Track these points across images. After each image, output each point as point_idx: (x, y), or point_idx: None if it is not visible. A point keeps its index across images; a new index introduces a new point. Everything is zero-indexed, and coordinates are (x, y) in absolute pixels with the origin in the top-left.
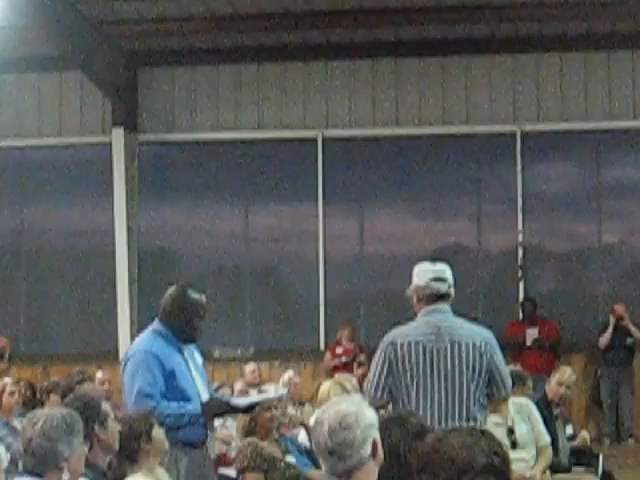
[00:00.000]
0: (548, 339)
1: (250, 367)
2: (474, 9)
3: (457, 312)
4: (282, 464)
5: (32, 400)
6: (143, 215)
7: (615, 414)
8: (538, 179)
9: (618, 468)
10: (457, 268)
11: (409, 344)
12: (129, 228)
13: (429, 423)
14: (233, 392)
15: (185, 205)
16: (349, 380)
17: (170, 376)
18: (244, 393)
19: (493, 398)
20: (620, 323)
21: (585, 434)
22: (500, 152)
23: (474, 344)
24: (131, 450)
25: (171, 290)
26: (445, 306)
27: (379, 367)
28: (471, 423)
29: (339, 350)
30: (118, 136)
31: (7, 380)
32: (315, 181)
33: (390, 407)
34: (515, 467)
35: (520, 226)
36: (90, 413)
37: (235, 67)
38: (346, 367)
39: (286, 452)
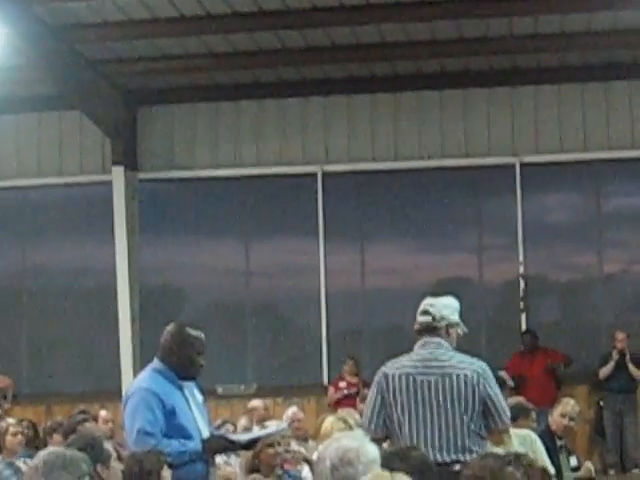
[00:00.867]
0: (555, 366)
1: (260, 403)
2: (471, 42)
3: (459, 344)
4: None
5: (35, 440)
6: (144, 252)
7: (619, 444)
8: (538, 210)
9: None
10: (460, 300)
11: (400, 377)
12: (130, 266)
13: None
14: (236, 429)
15: (186, 242)
16: (352, 415)
17: (170, 414)
18: (248, 430)
19: (492, 429)
20: (622, 352)
21: (589, 465)
22: (499, 184)
23: (465, 375)
24: None
25: (169, 328)
26: (437, 339)
27: (373, 400)
28: (466, 455)
29: (342, 384)
30: (118, 174)
31: (10, 421)
32: (315, 216)
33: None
34: None
35: (521, 257)
36: (93, 453)
37: (234, 104)
38: (350, 401)
39: None
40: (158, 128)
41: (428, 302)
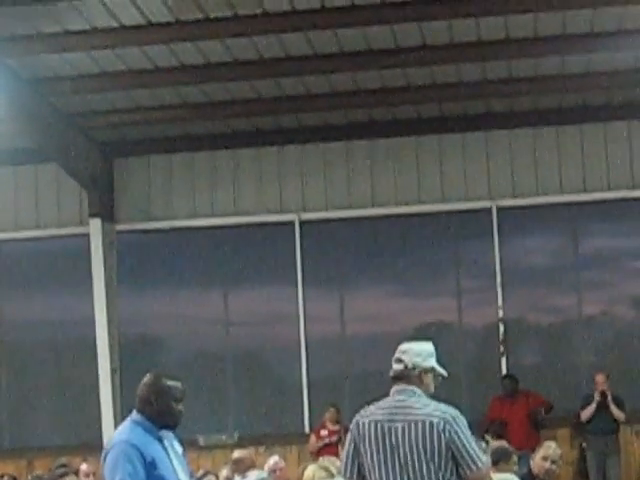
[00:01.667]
0: (536, 411)
1: (246, 454)
2: (444, 87)
3: (439, 389)
4: None
5: None
6: (123, 304)
7: None
8: (516, 253)
9: None
10: (439, 345)
11: (369, 424)
12: (109, 317)
13: None
14: (218, 479)
15: (165, 292)
16: (333, 463)
17: (151, 466)
18: None
19: (466, 477)
20: (604, 393)
21: None
22: (477, 228)
23: (431, 423)
24: None
25: (145, 380)
26: (410, 386)
27: (347, 448)
28: None
29: (324, 432)
30: (95, 227)
31: None
32: (294, 264)
33: None
34: None
35: (500, 301)
36: None
37: (210, 153)
38: (331, 449)
39: None
40: (135, 179)
41: (401, 349)
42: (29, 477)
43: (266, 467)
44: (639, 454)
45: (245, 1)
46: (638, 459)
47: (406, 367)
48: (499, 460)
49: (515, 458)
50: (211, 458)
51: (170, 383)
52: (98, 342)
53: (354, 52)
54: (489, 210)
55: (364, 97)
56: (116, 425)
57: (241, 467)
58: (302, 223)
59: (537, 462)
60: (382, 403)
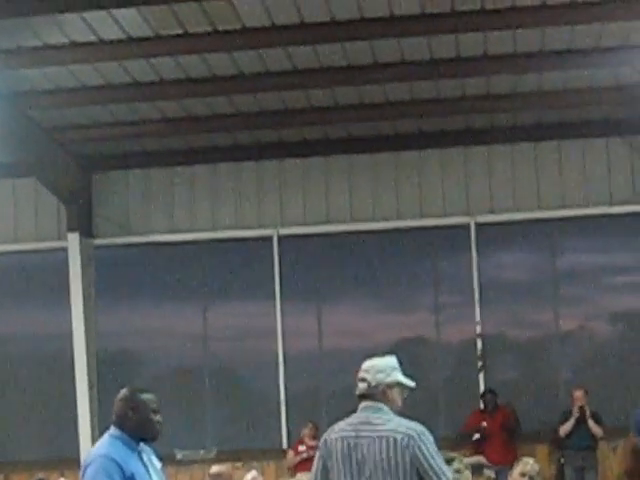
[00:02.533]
0: (504, 427)
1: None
2: (423, 103)
3: (418, 405)
4: None
5: None
6: (101, 318)
7: None
8: (494, 269)
9: None
10: (418, 360)
11: (336, 440)
12: (87, 332)
13: None
14: None
15: (143, 307)
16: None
17: None
18: None
19: None
20: (583, 409)
21: None
22: (455, 244)
23: (395, 439)
24: None
25: (120, 395)
26: (373, 402)
27: (315, 464)
28: None
29: (302, 448)
30: (74, 241)
31: None
32: (272, 279)
33: None
34: None
35: (478, 317)
36: None
37: (189, 168)
38: (309, 464)
39: None
40: (113, 194)
41: (364, 367)
42: None
43: None
44: (616, 469)
45: (224, 16)
46: (615, 474)
47: (369, 385)
48: (472, 475)
49: (488, 472)
50: (189, 473)
51: (145, 396)
52: (76, 356)
53: (333, 68)
54: (467, 226)
55: (343, 113)
56: (94, 440)
57: None
58: (280, 238)
59: (515, 478)
60: (349, 420)
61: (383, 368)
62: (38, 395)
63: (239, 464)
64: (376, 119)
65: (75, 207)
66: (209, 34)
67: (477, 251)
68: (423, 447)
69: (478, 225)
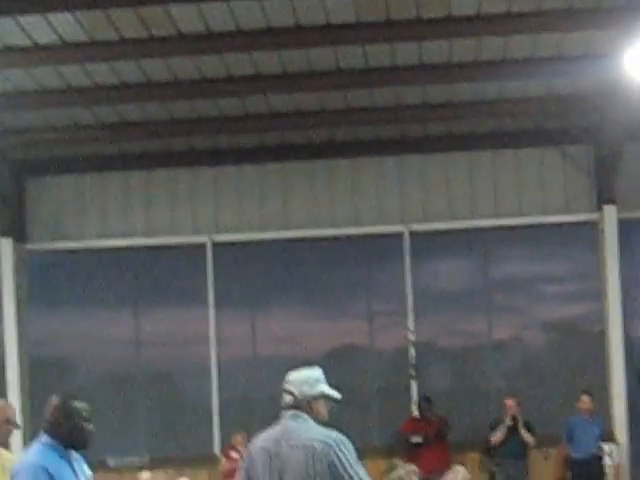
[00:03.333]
0: (438, 435)
1: (147, 476)
2: (358, 112)
3: (351, 412)
4: None
5: None
6: (34, 323)
7: None
8: (428, 277)
9: None
10: (351, 368)
11: (257, 450)
12: (19, 337)
13: None
14: None
15: (76, 312)
16: None
17: None
18: None
19: None
20: (515, 417)
21: None
22: (389, 252)
23: (314, 447)
24: None
25: (51, 402)
26: (295, 411)
27: (240, 474)
28: None
29: (234, 454)
30: (6, 246)
31: None
32: (205, 285)
33: None
34: None
35: (411, 325)
36: None
37: (123, 174)
38: None
39: None
40: (47, 199)
41: (288, 379)
42: None
43: None
44: (548, 478)
45: (160, 22)
46: None
47: (295, 398)
48: None
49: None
50: None
51: (77, 404)
52: (7, 362)
53: (268, 75)
54: (401, 234)
55: (278, 120)
56: (25, 447)
57: None
58: (214, 245)
59: None
60: (271, 430)
61: (307, 379)
62: None
63: (171, 471)
64: (311, 127)
65: (8, 212)
66: (144, 40)
67: (411, 259)
68: (341, 455)
69: (412, 233)
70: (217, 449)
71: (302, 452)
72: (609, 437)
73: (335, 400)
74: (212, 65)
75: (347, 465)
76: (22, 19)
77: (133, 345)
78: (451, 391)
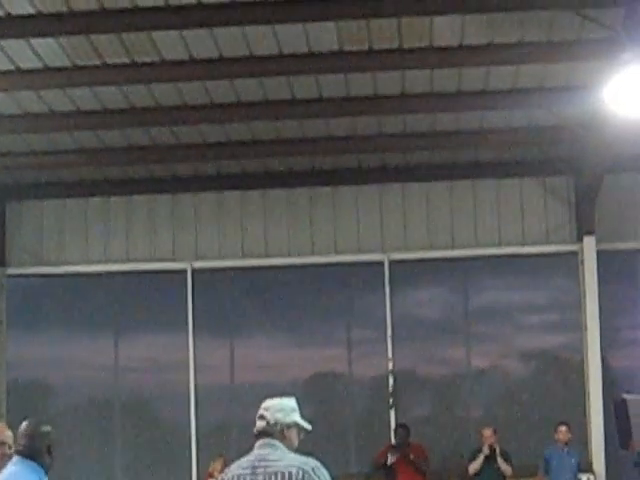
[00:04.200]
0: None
1: None
2: (339, 140)
3: (329, 441)
4: None
5: None
6: (12, 348)
7: None
8: (407, 306)
9: None
10: (330, 395)
11: (233, 478)
12: None
13: None
14: None
15: (55, 337)
16: None
17: None
18: None
19: None
20: (492, 447)
21: None
22: (369, 280)
23: (290, 473)
24: None
25: (26, 427)
26: (269, 440)
27: None
28: None
29: None
30: None
31: None
32: (185, 312)
33: None
34: None
35: (390, 354)
36: None
37: (103, 200)
38: None
39: None
40: (27, 223)
41: (264, 406)
42: None
43: None
44: None
45: (143, 48)
46: None
47: (268, 423)
48: None
49: None
50: None
51: (47, 428)
52: None
53: (250, 102)
54: (381, 263)
55: (259, 147)
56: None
57: None
58: (194, 271)
59: None
60: (245, 458)
61: (283, 407)
62: None
63: None
64: (293, 154)
65: None
66: (127, 65)
67: (390, 288)
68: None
69: (392, 262)
70: (194, 476)
71: (279, 479)
72: (587, 467)
73: (306, 431)
74: (194, 92)
75: None
76: (4, 43)
77: (112, 370)
78: (429, 419)
